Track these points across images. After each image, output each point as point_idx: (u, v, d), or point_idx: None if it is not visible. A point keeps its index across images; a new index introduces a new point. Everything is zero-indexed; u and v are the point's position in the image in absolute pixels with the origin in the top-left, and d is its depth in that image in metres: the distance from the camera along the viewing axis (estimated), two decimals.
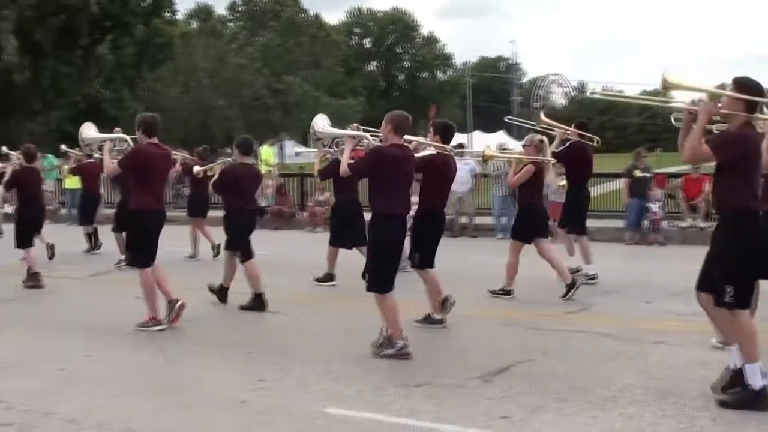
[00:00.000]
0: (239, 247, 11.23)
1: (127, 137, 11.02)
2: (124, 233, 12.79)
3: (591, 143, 13.11)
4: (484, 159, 12.55)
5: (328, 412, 6.60)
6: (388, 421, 6.36)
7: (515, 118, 23.73)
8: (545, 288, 11.78)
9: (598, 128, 31.21)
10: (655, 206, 18.14)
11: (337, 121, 20.42)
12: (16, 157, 14.13)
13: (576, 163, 12.77)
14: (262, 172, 18.70)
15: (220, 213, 11.73)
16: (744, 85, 6.63)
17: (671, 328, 9.40)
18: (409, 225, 9.01)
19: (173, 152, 12.66)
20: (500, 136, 52.26)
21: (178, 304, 9.87)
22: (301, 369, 7.91)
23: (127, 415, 6.62)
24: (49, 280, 13.19)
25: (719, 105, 6.66)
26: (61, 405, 6.89)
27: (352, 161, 8.76)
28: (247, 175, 11.49)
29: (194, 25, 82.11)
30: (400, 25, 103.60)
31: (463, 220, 20.28)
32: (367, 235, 8.98)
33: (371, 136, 9.32)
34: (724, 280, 6.53)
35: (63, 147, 18.59)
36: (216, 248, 15.34)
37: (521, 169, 11.50)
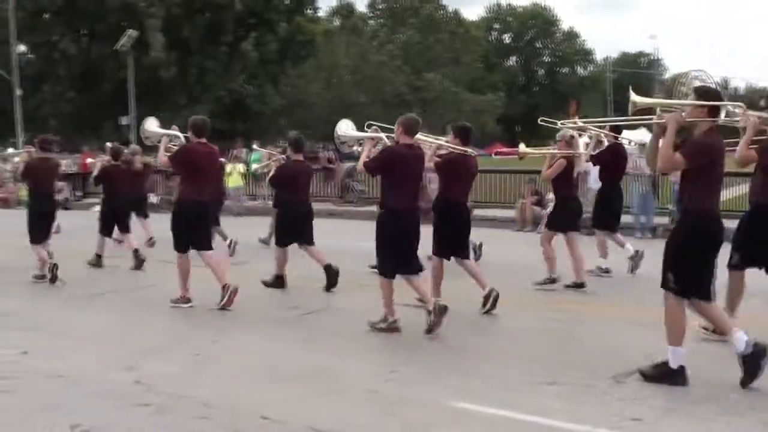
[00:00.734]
0: (292, 237, 12.27)
1: (181, 135, 11.84)
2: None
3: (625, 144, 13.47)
4: (520, 157, 12.94)
5: (458, 407, 6.62)
6: (518, 418, 6.33)
7: (655, 116, 23.29)
8: None
9: None
10: None
11: (476, 116, 20.46)
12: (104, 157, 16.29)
13: (613, 165, 12.89)
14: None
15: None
16: (704, 93, 7.23)
17: None
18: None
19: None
20: (642, 134, 51.15)
21: (231, 288, 10.62)
22: (433, 362, 7.98)
23: (259, 401, 6.77)
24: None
25: (683, 115, 7.18)
26: (196, 389, 7.12)
27: (367, 160, 9.64)
28: (300, 171, 12.52)
29: (336, 22, 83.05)
30: (540, 20, 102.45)
31: None
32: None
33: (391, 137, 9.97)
34: (667, 267, 7.24)
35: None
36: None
37: (554, 164, 11.99)
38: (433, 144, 10.55)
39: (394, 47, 70.59)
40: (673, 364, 7.17)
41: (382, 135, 10.08)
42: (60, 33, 61.71)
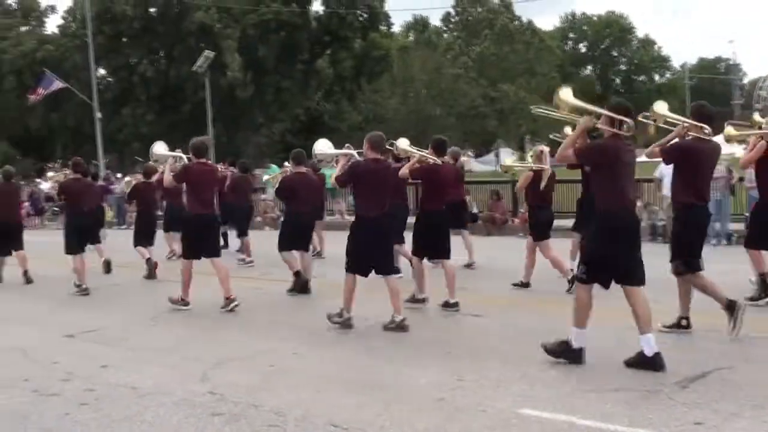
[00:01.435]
0: (294, 245, 13.44)
1: (184, 156, 13.04)
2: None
3: None
4: (503, 170, 14.47)
5: (522, 413, 6.70)
6: (582, 424, 6.40)
7: (736, 122, 22.88)
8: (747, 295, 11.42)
9: None
10: None
11: (547, 127, 20.45)
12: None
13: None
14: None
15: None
16: (616, 105, 8.30)
17: None
18: None
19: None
20: (720, 139, 50.24)
21: (233, 304, 11.85)
22: (499, 370, 8.07)
23: (330, 410, 6.94)
24: (256, 282, 14.35)
25: (596, 121, 8.18)
26: (269, 398, 7.32)
27: (338, 174, 10.87)
28: (302, 182, 13.65)
29: (410, 37, 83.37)
30: (616, 28, 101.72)
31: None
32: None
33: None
34: (581, 260, 8.35)
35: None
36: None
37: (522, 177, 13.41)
38: (415, 154, 11.89)
39: (468, 59, 70.65)
40: (575, 345, 8.11)
41: (353, 151, 11.38)
42: (138, 56, 63.02)
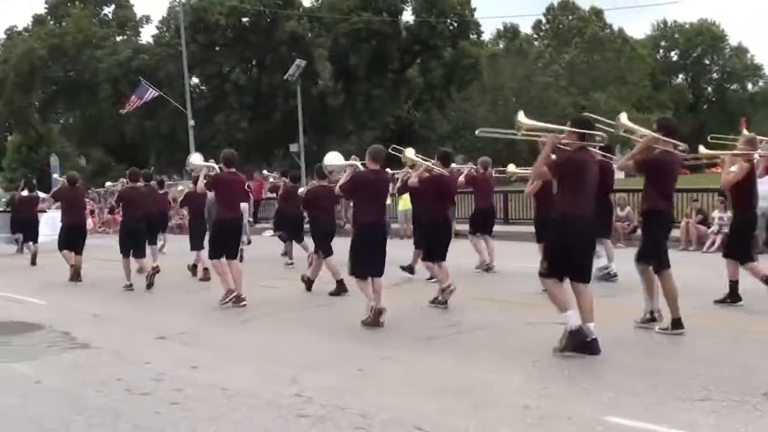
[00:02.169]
0: (323, 247, 14.53)
1: (216, 166, 13.84)
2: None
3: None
4: (508, 177, 14.95)
5: (607, 421, 6.69)
6: None
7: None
8: None
9: None
10: None
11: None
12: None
13: None
14: None
15: None
16: (576, 122, 9.17)
17: None
18: None
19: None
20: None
21: (241, 303, 12.98)
22: (588, 378, 8.07)
23: (416, 413, 7.02)
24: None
25: (562, 137, 9.02)
26: (356, 401, 7.42)
27: (343, 183, 11.78)
28: (321, 194, 14.91)
29: (500, 45, 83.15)
30: (708, 35, 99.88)
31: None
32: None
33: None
34: (542, 257, 9.26)
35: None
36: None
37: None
38: (423, 164, 12.79)
39: (559, 67, 70.24)
40: (572, 326, 8.79)
41: (358, 163, 12.08)
42: (231, 65, 63.94)
